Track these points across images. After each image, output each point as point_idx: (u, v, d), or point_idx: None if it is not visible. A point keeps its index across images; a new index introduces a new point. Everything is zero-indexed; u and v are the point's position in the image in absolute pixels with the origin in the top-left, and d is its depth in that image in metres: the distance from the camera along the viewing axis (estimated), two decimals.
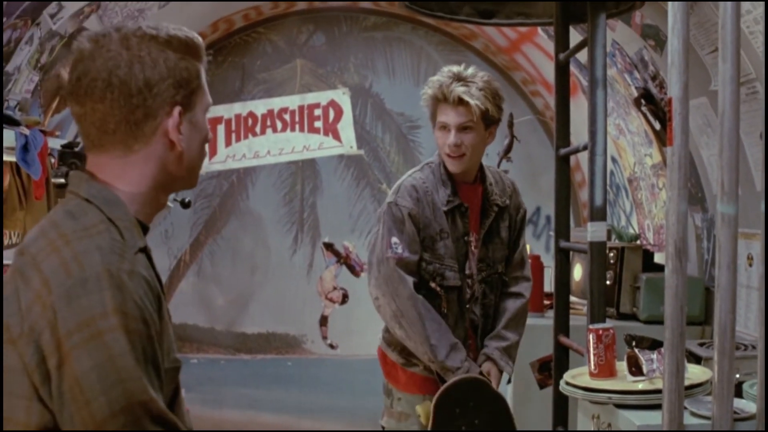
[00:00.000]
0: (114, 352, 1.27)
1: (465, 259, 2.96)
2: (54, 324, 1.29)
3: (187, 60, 1.47)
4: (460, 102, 2.87)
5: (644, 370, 2.31)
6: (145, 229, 1.48)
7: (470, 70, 2.93)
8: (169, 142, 1.46)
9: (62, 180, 3.14)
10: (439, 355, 2.85)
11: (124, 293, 1.31)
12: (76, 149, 3.82)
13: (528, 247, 4.47)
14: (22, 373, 1.31)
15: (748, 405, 2.12)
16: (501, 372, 3.00)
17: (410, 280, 2.87)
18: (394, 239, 2.88)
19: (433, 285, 2.92)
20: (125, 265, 1.34)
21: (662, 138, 3.73)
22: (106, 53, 1.42)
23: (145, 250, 1.43)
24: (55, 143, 3.77)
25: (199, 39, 1.53)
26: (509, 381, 3.76)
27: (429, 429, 2.92)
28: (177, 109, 1.45)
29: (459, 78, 2.90)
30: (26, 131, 3.37)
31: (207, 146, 1.57)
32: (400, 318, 2.88)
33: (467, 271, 2.96)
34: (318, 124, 5.41)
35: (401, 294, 2.86)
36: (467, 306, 2.97)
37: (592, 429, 2.41)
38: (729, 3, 1.87)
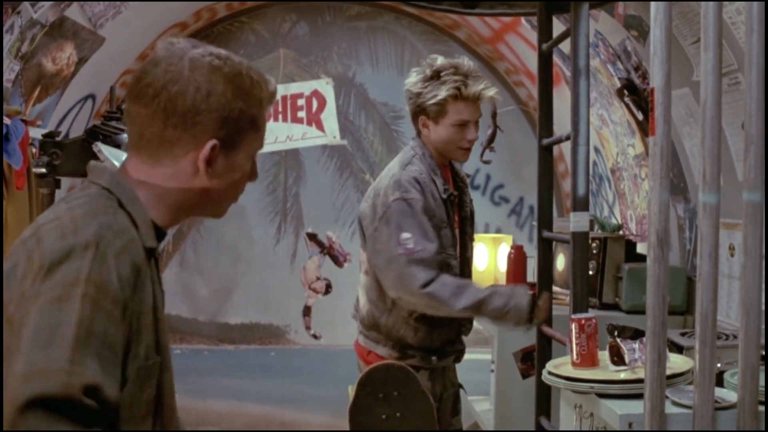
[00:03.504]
0: (63, 320, 1.24)
1: (459, 245, 3.01)
2: (34, 278, 1.28)
3: (244, 101, 1.47)
4: (478, 98, 2.93)
5: (626, 360, 2.32)
6: (160, 235, 1.49)
7: (470, 64, 2.98)
8: (196, 171, 1.47)
9: (43, 170, 3.11)
10: (484, 307, 2.79)
11: (102, 268, 1.30)
12: (58, 138, 3.78)
13: (511, 237, 4.51)
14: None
15: (729, 394, 2.13)
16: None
17: (423, 273, 2.77)
18: (405, 234, 2.80)
19: None
20: (117, 243, 1.34)
21: (645, 128, 3.73)
22: (169, 65, 1.44)
23: (152, 254, 1.43)
24: (37, 133, 3.74)
25: (272, 84, 1.53)
26: (491, 370, 3.78)
27: (348, 408, 2.90)
28: (211, 143, 1.45)
29: (470, 74, 2.94)
30: (7, 121, 3.35)
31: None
32: (429, 308, 2.83)
33: (459, 256, 3.00)
34: (301, 114, 5.38)
35: (414, 291, 2.77)
36: None
37: (575, 418, 2.42)
38: None
